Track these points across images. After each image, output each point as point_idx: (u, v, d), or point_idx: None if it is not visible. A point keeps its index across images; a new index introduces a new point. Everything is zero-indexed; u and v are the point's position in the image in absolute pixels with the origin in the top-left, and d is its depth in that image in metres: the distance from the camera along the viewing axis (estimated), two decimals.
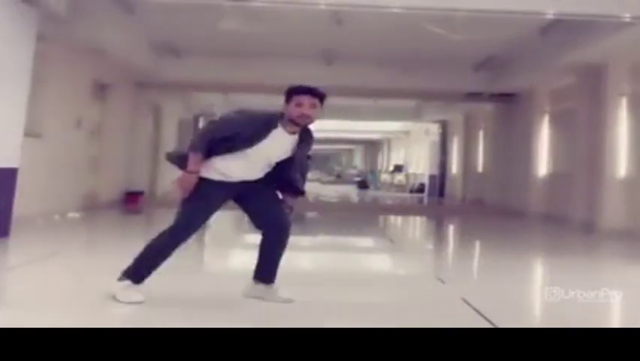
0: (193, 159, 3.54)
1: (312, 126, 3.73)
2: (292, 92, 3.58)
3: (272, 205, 3.72)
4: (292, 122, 3.56)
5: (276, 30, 9.58)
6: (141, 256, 3.63)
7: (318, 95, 3.59)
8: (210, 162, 3.57)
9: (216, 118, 3.81)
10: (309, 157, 3.83)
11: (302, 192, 3.75)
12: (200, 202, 3.59)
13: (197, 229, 3.69)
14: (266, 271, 3.71)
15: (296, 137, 3.63)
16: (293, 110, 3.54)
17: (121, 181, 11.74)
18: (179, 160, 3.66)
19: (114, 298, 3.54)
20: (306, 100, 3.54)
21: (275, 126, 3.56)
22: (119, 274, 3.62)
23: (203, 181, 3.56)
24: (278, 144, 3.59)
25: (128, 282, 3.58)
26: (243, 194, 3.68)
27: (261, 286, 3.71)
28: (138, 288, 3.58)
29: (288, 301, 3.69)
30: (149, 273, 3.61)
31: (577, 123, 10.17)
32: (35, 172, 7.56)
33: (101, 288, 4.05)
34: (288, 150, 3.63)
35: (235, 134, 3.51)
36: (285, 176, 3.67)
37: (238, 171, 3.60)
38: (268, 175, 3.71)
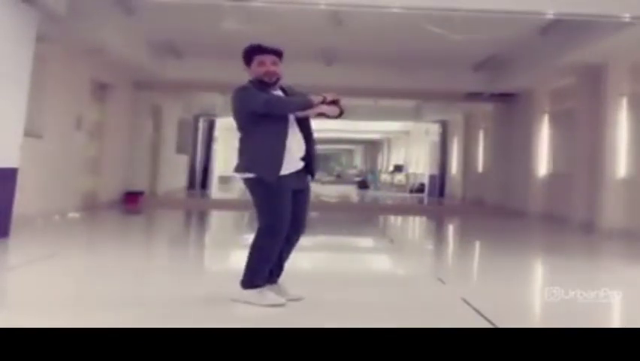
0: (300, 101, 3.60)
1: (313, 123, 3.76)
2: (250, 54, 3.67)
3: (305, 207, 3.73)
4: (261, 82, 3.62)
5: (276, 30, 9.56)
6: (255, 262, 3.60)
7: (276, 52, 3.66)
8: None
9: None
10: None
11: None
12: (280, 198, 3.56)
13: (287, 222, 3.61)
14: (278, 270, 3.75)
15: (280, 94, 3.68)
16: (257, 70, 3.63)
17: (121, 181, 11.74)
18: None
19: (252, 304, 3.52)
20: (265, 57, 3.62)
21: (267, 90, 3.60)
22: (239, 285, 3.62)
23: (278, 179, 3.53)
24: None
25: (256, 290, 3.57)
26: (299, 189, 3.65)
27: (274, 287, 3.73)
28: (269, 289, 3.60)
29: (299, 298, 3.72)
30: (263, 277, 3.62)
31: (577, 123, 10.17)
32: (35, 172, 7.56)
33: (101, 288, 4.06)
34: None
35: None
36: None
37: (296, 146, 3.58)
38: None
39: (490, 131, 15.26)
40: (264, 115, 3.52)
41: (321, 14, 8.56)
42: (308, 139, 3.67)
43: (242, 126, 3.67)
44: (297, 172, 3.62)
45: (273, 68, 3.61)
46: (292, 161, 3.57)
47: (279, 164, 3.51)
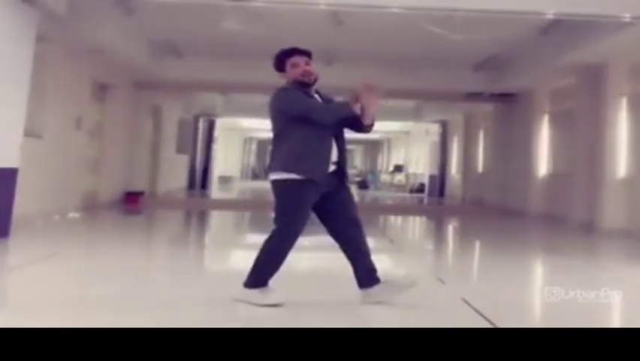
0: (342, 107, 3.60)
1: None
2: (282, 58, 3.67)
3: (347, 204, 3.71)
4: (301, 83, 3.61)
5: (276, 30, 9.57)
6: (262, 264, 3.59)
7: (306, 53, 3.67)
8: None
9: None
10: None
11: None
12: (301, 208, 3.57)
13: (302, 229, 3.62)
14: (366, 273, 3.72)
15: (317, 97, 3.67)
16: (293, 72, 3.62)
17: (121, 181, 11.74)
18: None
19: (252, 304, 3.51)
20: (299, 59, 3.63)
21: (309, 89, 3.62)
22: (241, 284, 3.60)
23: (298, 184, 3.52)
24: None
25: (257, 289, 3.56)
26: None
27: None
28: (270, 290, 3.59)
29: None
30: (269, 277, 3.61)
31: (577, 123, 10.17)
32: (35, 172, 7.56)
33: (101, 288, 4.06)
34: None
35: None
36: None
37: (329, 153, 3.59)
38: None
39: (490, 131, 15.26)
40: (306, 118, 3.50)
41: (321, 14, 8.56)
42: (341, 149, 3.67)
43: (280, 128, 3.63)
44: (328, 177, 3.60)
45: (308, 68, 3.62)
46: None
47: (323, 164, 3.53)
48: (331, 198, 3.61)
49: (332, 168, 3.62)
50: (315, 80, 3.66)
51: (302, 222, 3.57)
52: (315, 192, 3.54)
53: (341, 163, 3.66)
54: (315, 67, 3.68)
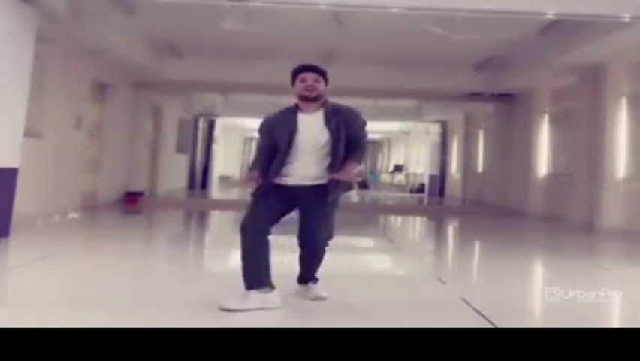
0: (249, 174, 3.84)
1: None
2: (295, 74, 3.80)
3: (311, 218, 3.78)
4: (303, 98, 3.74)
5: (276, 30, 9.58)
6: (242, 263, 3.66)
7: (319, 71, 3.80)
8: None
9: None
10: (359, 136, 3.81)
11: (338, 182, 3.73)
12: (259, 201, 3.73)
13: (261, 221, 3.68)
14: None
15: (320, 113, 3.74)
16: (299, 86, 3.75)
17: (121, 181, 11.74)
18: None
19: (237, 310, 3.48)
20: (309, 75, 3.75)
21: (296, 111, 3.76)
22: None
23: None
24: (307, 125, 3.71)
25: (256, 290, 3.57)
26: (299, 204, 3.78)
27: (301, 287, 3.92)
28: (266, 291, 3.59)
29: (322, 298, 3.82)
30: (259, 274, 3.60)
31: (577, 123, 10.18)
32: (35, 172, 7.56)
33: (101, 288, 4.05)
34: (321, 129, 3.70)
35: (274, 136, 3.74)
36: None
37: (298, 171, 3.70)
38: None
39: (490, 131, 15.27)
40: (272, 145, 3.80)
41: (321, 14, 8.56)
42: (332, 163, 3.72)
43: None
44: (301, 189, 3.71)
45: (311, 84, 3.73)
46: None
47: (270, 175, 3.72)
48: (301, 208, 3.77)
49: (312, 182, 3.70)
50: (317, 97, 3.75)
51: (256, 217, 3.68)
52: (272, 195, 3.69)
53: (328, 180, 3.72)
54: (323, 85, 3.80)
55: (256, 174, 3.72)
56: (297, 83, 3.76)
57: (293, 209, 3.78)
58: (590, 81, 9.71)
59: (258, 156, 3.88)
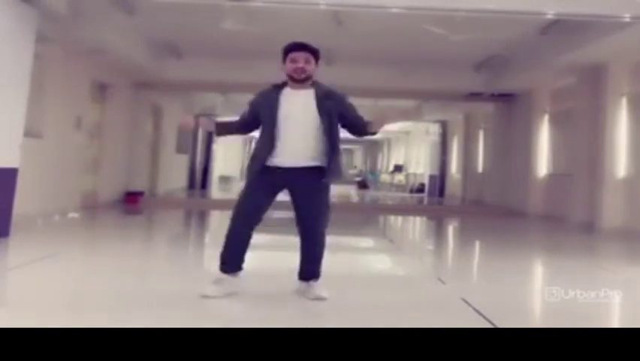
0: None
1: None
2: (286, 51, 3.82)
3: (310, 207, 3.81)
4: (291, 78, 3.78)
5: (276, 30, 9.57)
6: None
7: (310, 49, 3.82)
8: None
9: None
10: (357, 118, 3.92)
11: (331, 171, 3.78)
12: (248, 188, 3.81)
13: (251, 212, 3.78)
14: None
15: (311, 92, 3.76)
16: (288, 66, 3.78)
17: (121, 181, 11.74)
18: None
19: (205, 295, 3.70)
20: (299, 55, 3.77)
21: (282, 88, 3.80)
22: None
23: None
24: (295, 102, 3.74)
25: (230, 275, 3.77)
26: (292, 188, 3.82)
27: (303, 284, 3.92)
28: (238, 275, 3.80)
29: (322, 298, 3.79)
30: (236, 260, 3.78)
31: (577, 123, 10.18)
32: (35, 172, 7.56)
33: (102, 288, 4.06)
34: (310, 107, 3.72)
35: (257, 110, 3.79)
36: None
37: (289, 150, 3.72)
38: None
39: (490, 131, 15.27)
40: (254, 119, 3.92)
41: (321, 14, 8.56)
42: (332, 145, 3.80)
43: None
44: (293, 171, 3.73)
45: (301, 65, 3.75)
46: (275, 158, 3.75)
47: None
48: (297, 194, 3.79)
49: (306, 163, 3.73)
50: (306, 78, 3.79)
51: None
52: (265, 183, 3.74)
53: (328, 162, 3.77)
54: (314, 65, 3.82)
55: (206, 121, 3.87)
56: (288, 63, 3.78)
57: (284, 189, 3.80)
58: (590, 81, 9.72)
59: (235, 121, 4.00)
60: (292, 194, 3.79)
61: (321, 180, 3.71)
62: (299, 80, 3.76)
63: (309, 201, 3.75)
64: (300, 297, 3.83)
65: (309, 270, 3.85)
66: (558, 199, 10.96)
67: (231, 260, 3.77)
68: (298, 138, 3.71)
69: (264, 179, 3.72)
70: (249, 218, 3.75)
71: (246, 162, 4.07)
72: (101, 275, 4.60)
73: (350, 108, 3.87)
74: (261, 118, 3.78)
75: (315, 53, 3.83)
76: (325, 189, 3.79)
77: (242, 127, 3.99)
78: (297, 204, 3.78)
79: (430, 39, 9.52)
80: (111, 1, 8.49)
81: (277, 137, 3.69)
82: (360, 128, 3.88)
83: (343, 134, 3.98)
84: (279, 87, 3.82)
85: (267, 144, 3.70)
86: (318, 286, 3.84)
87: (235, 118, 4.07)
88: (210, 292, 3.71)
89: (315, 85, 3.82)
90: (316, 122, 3.71)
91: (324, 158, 3.72)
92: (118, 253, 5.85)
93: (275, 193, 3.80)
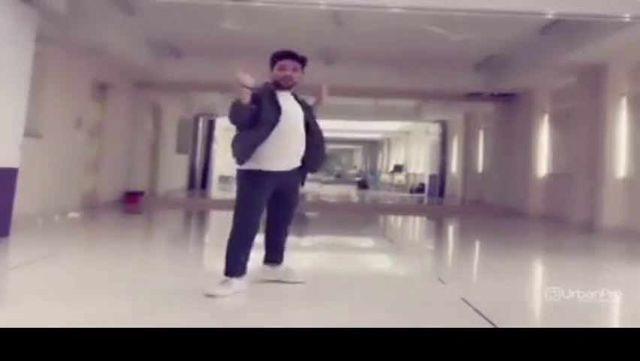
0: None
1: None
2: (275, 58, 3.94)
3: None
4: (277, 85, 3.91)
5: (276, 30, 9.57)
6: (226, 252, 3.90)
7: (298, 59, 3.94)
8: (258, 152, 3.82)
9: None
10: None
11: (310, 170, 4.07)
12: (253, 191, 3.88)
13: (258, 220, 3.94)
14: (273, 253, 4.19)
15: (292, 98, 3.98)
16: (277, 74, 3.90)
17: (121, 181, 11.74)
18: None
19: (213, 295, 3.74)
20: (288, 63, 3.90)
21: (275, 89, 3.91)
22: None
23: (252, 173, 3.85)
24: (289, 106, 3.89)
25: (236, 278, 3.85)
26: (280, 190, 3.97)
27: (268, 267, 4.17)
28: (243, 277, 3.89)
29: (299, 282, 4.11)
30: (244, 264, 3.88)
31: (577, 123, 10.18)
32: (35, 172, 7.56)
33: (101, 288, 4.06)
34: (299, 111, 3.93)
35: (261, 105, 3.78)
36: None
37: (283, 154, 3.86)
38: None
39: (490, 131, 15.27)
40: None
41: (321, 14, 8.56)
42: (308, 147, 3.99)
43: None
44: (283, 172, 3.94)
45: (289, 74, 3.91)
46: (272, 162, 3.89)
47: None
48: (283, 191, 4.00)
49: (294, 166, 3.96)
50: (292, 86, 3.97)
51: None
52: (266, 188, 3.90)
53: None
54: (301, 74, 3.97)
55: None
56: (276, 70, 3.91)
57: (274, 189, 3.95)
58: (590, 81, 9.72)
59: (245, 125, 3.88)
60: (277, 192, 3.94)
61: (299, 178, 4.01)
62: (285, 88, 3.91)
63: (292, 196, 4.04)
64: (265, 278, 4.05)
65: (278, 253, 4.19)
66: (558, 199, 10.96)
67: (240, 264, 3.86)
68: (295, 139, 3.88)
69: (266, 182, 3.83)
70: (258, 222, 3.87)
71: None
72: (101, 275, 4.60)
73: (314, 120, 4.07)
74: (263, 116, 3.79)
75: (302, 61, 3.95)
76: (299, 186, 4.10)
77: (249, 121, 3.85)
78: (280, 200, 3.97)
79: (430, 39, 9.52)
80: (111, 1, 8.49)
81: (277, 138, 3.78)
82: (318, 141, 4.03)
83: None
84: (272, 87, 3.92)
85: (270, 147, 3.78)
86: (284, 266, 4.20)
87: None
88: (219, 292, 3.74)
89: (292, 92, 4.01)
90: (303, 125, 3.92)
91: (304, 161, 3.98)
92: (118, 252, 5.85)
93: (269, 195, 3.92)
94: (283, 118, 3.79)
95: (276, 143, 3.79)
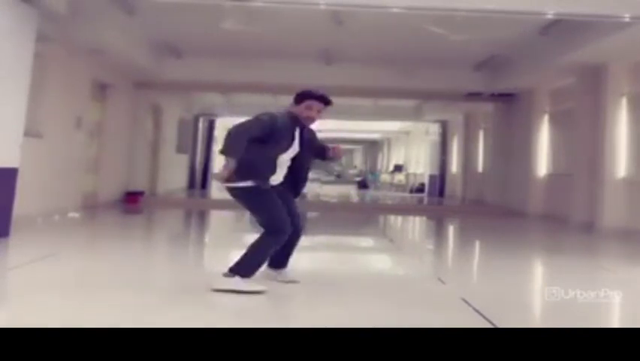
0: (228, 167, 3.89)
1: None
2: (306, 96, 3.99)
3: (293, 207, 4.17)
4: (297, 119, 4.00)
5: (276, 30, 9.58)
6: (251, 256, 3.91)
7: (327, 103, 4.03)
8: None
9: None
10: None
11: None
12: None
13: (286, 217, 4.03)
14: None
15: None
16: (303, 112, 3.97)
17: (121, 181, 11.74)
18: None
19: (232, 291, 3.76)
20: (316, 105, 3.98)
21: (296, 122, 3.99)
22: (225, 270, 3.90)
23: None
24: (297, 141, 4.03)
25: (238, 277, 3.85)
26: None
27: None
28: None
29: (294, 281, 4.18)
30: (257, 269, 3.95)
31: (577, 123, 10.17)
32: (35, 172, 7.56)
33: (101, 288, 4.06)
34: (303, 146, 4.07)
35: (269, 136, 3.82)
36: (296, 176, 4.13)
37: (278, 176, 4.03)
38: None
39: (490, 131, 15.27)
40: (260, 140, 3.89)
41: (321, 14, 8.56)
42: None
43: None
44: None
45: (316, 116, 4.02)
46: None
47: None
48: None
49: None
50: (310, 125, 4.12)
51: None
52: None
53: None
54: (321, 113, 4.07)
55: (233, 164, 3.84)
56: (303, 107, 3.97)
57: None
58: (590, 81, 9.71)
59: (250, 130, 3.85)
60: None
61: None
62: (304, 126, 4.03)
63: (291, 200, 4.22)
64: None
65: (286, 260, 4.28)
66: (558, 199, 10.96)
67: (257, 270, 3.94)
68: (286, 166, 4.08)
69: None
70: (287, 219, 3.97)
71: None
72: (101, 275, 4.60)
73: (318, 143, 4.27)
74: (275, 143, 3.88)
75: (329, 103, 4.05)
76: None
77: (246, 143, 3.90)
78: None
79: (430, 39, 9.52)
80: (111, 1, 8.49)
81: (280, 163, 3.97)
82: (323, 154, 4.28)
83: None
84: (295, 120, 3.99)
85: (273, 168, 3.94)
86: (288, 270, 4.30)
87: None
88: (243, 287, 3.78)
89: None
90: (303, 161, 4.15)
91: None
92: (118, 252, 5.85)
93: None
94: (290, 150, 3.98)
95: (277, 166, 3.97)
